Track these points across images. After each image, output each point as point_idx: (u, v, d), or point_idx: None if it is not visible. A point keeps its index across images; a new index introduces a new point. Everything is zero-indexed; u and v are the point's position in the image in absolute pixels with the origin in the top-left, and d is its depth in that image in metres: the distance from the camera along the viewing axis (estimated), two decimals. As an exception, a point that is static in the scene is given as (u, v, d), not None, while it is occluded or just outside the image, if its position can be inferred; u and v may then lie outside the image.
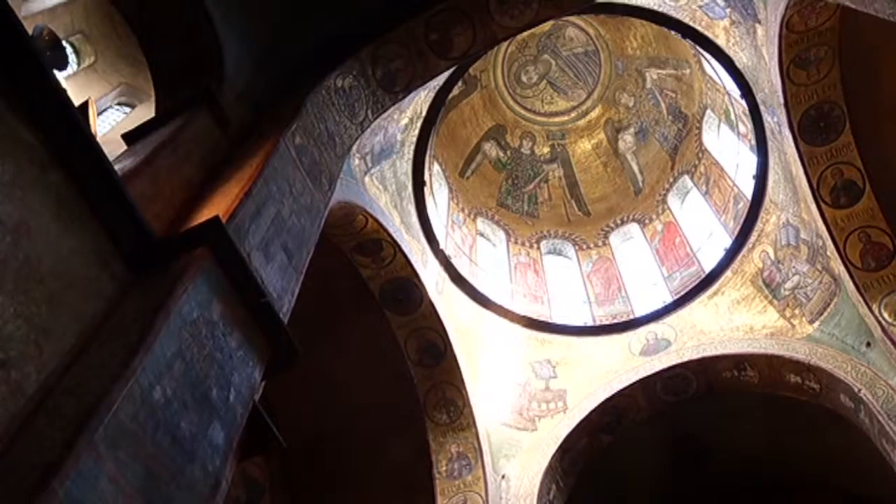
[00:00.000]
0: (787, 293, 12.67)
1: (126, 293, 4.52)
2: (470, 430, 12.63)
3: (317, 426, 12.37)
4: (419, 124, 13.26)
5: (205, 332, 4.65)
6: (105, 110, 15.55)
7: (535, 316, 14.94)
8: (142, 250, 4.83)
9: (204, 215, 5.56)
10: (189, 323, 4.50)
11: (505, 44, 16.36)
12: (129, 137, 7.18)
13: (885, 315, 10.93)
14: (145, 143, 6.69)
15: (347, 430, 12.66)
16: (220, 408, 4.51)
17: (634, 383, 13.45)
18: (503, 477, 12.61)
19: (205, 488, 4.13)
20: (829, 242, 11.32)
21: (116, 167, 4.97)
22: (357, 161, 10.95)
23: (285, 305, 5.96)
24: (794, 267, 12.53)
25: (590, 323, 15.26)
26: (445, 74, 12.06)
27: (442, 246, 13.92)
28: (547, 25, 16.77)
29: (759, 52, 11.06)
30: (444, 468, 12.32)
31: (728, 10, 11.20)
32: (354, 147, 10.05)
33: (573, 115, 18.36)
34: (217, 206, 5.76)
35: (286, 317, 5.86)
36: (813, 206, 11.34)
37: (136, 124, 7.57)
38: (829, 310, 11.96)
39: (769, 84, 11.19)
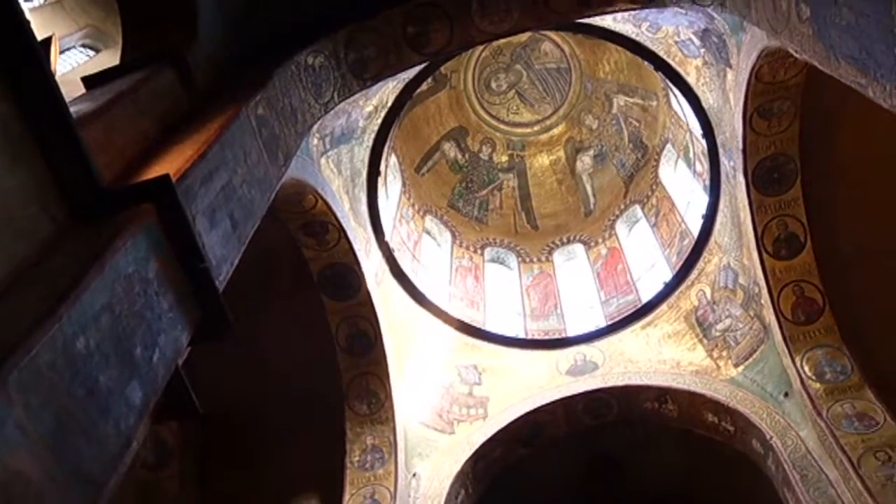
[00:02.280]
0: (717, 334, 12.93)
1: (63, 238, 4.39)
2: (388, 425, 12.59)
3: (236, 399, 12.22)
4: (383, 114, 13.20)
5: (138, 289, 4.54)
6: (68, 49, 15.23)
7: (468, 321, 14.98)
8: (86, 198, 4.70)
9: (154, 172, 5.44)
10: (123, 277, 4.39)
11: (480, 48, 16.41)
12: (90, 81, 7.00)
13: (806, 368, 11.22)
14: (105, 89, 6.51)
15: (266, 406, 12.57)
16: (141, 367, 4.41)
17: (557, 401, 13.57)
18: (414, 475, 12.62)
19: (115, 446, 4.03)
20: (765, 291, 11.58)
21: (72, 109, 4.85)
22: (316, 141, 10.86)
23: (223, 274, 5.86)
24: (727, 310, 12.78)
25: (521, 335, 15.35)
26: (417, 69, 12.05)
27: (387, 238, 13.88)
28: (524, 36, 16.87)
29: (726, 96, 11.25)
30: (356, 458, 12.26)
31: (702, 51, 11.37)
32: (315, 127, 9.97)
33: (536, 128, 18.48)
34: (169, 165, 5.64)
35: (222, 285, 5.76)
36: (755, 253, 11.58)
37: (98, 69, 7.37)
38: (754, 356, 12.24)
39: (731, 128, 11.39)
